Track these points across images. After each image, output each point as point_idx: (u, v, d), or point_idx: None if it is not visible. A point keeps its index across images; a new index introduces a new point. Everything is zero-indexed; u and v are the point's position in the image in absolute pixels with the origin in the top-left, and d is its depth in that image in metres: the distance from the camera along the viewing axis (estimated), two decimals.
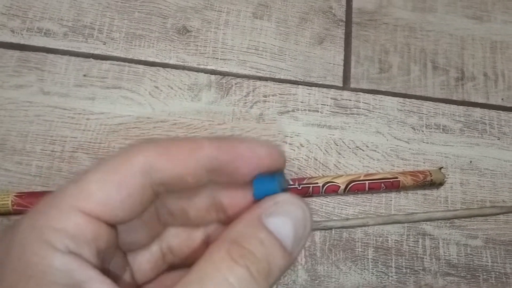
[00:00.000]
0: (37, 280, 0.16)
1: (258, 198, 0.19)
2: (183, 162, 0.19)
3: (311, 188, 0.38)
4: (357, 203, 0.39)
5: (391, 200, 0.40)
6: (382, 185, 0.39)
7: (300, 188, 0.37)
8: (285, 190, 0.19)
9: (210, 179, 0.19)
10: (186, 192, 0.20)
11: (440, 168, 0.41)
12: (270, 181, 0.19)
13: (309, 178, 0.38)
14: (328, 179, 0.38)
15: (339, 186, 0.38)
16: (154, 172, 0.18)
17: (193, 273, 0.17)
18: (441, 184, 0.40)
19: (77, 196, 0.18)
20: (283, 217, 0.18)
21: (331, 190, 0.38)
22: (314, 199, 0.39)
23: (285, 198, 0.19)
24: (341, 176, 0.39)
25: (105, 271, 0.18)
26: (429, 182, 0.40)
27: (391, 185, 0.39)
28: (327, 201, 0.39)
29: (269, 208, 0.18)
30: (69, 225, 0.17)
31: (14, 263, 0.17)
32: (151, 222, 0.21)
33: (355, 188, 0.38)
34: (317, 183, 0.38)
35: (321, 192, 0.38)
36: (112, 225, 0.18)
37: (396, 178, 0.39)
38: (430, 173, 0.40)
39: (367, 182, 0.38)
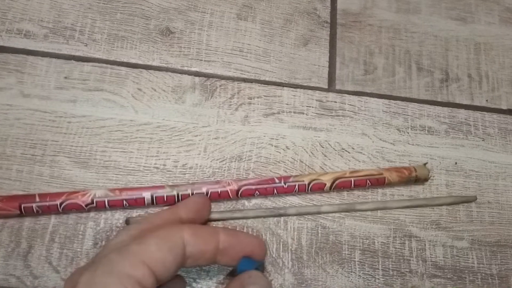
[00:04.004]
0: None
1: (239, 272, 0.30)
2: (206, 241, 0.28)
3: (297, 186, 0.37)
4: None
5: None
6: (368, 181, 0.39)
7: (286, 186, 0.37)
8: (257, 268, 0.30)
9: (217, 257, 0.29)
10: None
11: (425, 164, 0.41)
12: (250, 264, 0.30)
13: (295, 176, 0.38)
14: (314, 177, 0.38)
15: (325, 184, 0.38)
16: (188, 245, 0.27)
17: None
18: (426, 179, 0.40)
19: (142, 253, 0.26)
20: (255, 285, 0.28)
21: (317, 188, 0.38)
22: (299, 200, 0.39)
23: (255, 273, 0.29)
24: (327, 173, 0.38)
25: None
26: (414, 177, 0.40)
27: (377, 182, 0.39)
28: (313, 204, 0.39)
29: (247, 279, 0.28)
30: (138, 274, 0.25)
31: None
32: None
33: (340, 185, 0.38)
34: (303, 181, 0.37)
35: (307, 190, 0.38)
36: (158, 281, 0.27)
37: (381, 174, 0.39)
38: (415, 169, 0.40)
39: (352, 179, 0.38)
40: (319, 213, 0.38)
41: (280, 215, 0.38)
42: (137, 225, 0.30)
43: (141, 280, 0.25)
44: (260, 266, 0.30)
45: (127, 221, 0.36)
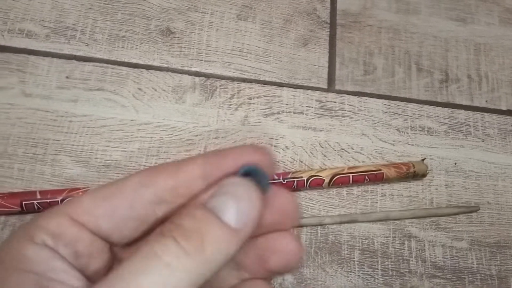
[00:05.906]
0: (6, 266, 0.17)
1: None
2: (174, 174, 0.19)
3: (295, 182, 0.38)
4: (342, 205, 0.39)
5: (376, 202, 0.40)
6: (366, 177, 0.39)
7: (284, 182, 0.37)
8: (250, 174, 0.18)
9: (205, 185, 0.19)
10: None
11: (423, 160, 0.41)
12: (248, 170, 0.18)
13: (294, 172, 0.38)
14: (312, 173, 0.38)
15: (324, 180, 0.38)
16: (146, 187, 0.19)
17: (133, 252, 0.17)
18: (424, 175, 0.40)
19: (69, 204, 0.19)
20: (223, 196, 0.18)
21: (315, 183, 0.38)
22: (300, 203, 0.39)
23: (229, 181, 0.18)
24: (325, 169, 0.39)
25: (86, 275, 0.19)
26: (412, 173, 0.40)
27: (375, 177, 0.39)
28: (312, 204, 0.39)
29: (212, 191, 0.18)
30: (51, 224, 0.18)
31: None
32: None
33: (339, 181, 0.38)
34: (301, 177, 0.38)
35: (306, 186, 0.38)
36: (105, 239, 0.19)
37: (380, 170, 0.39)
38: (413, 165, 0.40)
39: (351, 175, 0.39)
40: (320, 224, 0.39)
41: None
42: None
43: (54, 231, 0.18)
44: (258, 176, 0.18)
45: None
